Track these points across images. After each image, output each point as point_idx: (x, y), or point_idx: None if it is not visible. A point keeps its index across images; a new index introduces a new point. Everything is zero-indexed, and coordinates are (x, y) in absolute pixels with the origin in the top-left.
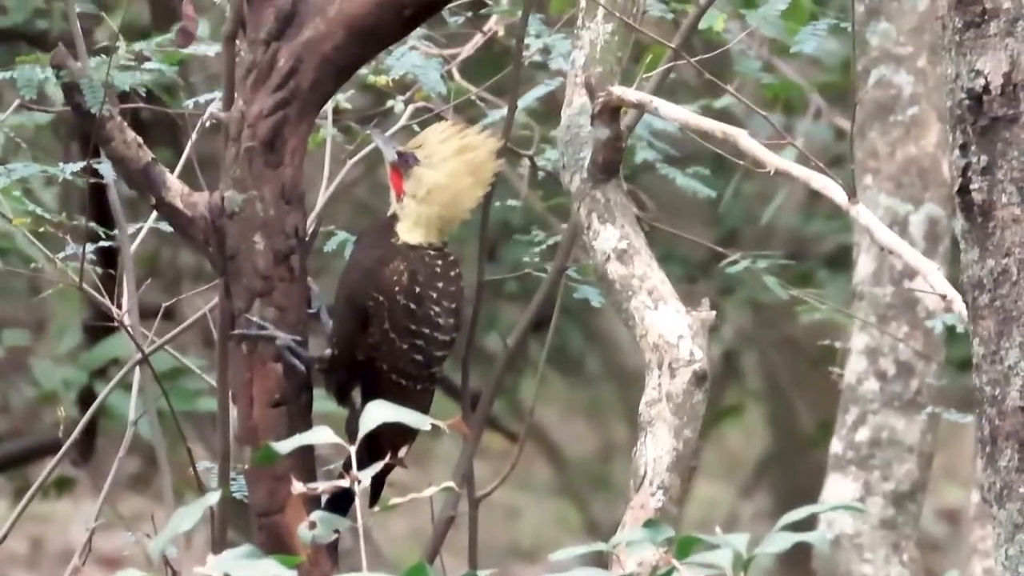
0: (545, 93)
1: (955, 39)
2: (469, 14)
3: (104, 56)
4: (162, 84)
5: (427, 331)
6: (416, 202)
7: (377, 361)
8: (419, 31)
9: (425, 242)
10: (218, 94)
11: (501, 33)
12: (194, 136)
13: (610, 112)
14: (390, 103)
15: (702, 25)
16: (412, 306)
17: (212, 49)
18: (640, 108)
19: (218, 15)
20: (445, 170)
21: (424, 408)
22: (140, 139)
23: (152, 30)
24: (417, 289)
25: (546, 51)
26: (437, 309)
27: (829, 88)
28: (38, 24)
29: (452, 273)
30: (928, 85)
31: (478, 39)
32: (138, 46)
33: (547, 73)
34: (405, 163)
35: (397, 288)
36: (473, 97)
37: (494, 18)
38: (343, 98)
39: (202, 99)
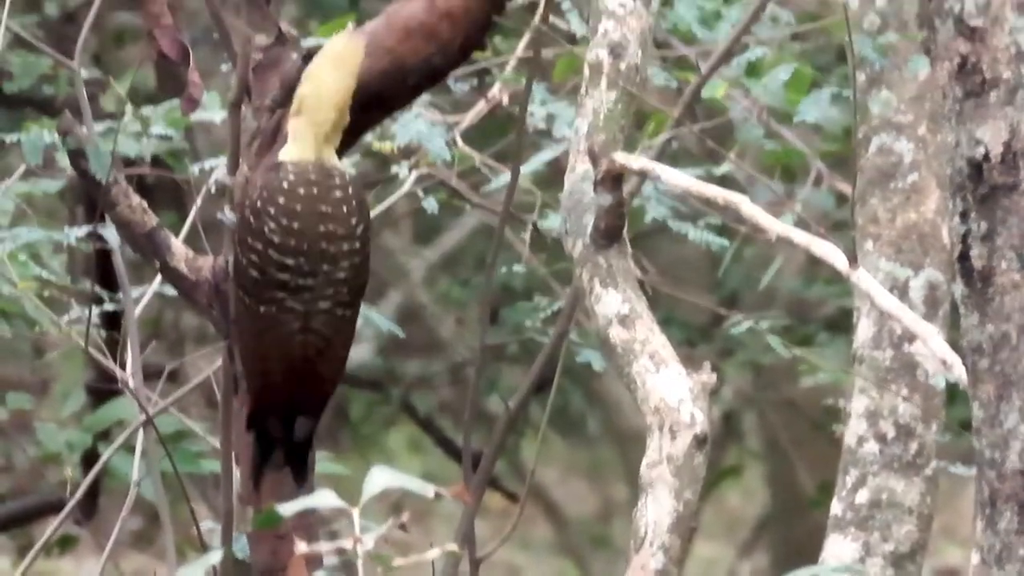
0: (549, 159)
1: (955, 108)
2: (474, 82)
3: (110, 122)
4: (168, 150)
5: (260, 247)
6: (293, 119)
7: (233, 277)
8: (424, 98)
9: (298, 158)
10: (223, 160)
11: (505, 101)
12: (199, 201)
13: (613, 179)
14: (395, 169)
15: (704, 93)
16: (251, 219)
17: (217, 116)
18: (643, 175)
19: (224, 82)
20: (311, 77)
21: (275, 333)
22: (145, 204)
23: (158, 96)
24: (258, 204)
25: (550, 119)
26: (272, 225)
27: (830, 155)
28: (44, 89)
29: (312, 192)
30: (928, 153)
31: (482, 106)
32: (144, 111)
33: (551, 140)
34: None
35: (247, 202)
36: (477, 164)
37: (498, 85)
38: (348, 164)
39: (207, 165)
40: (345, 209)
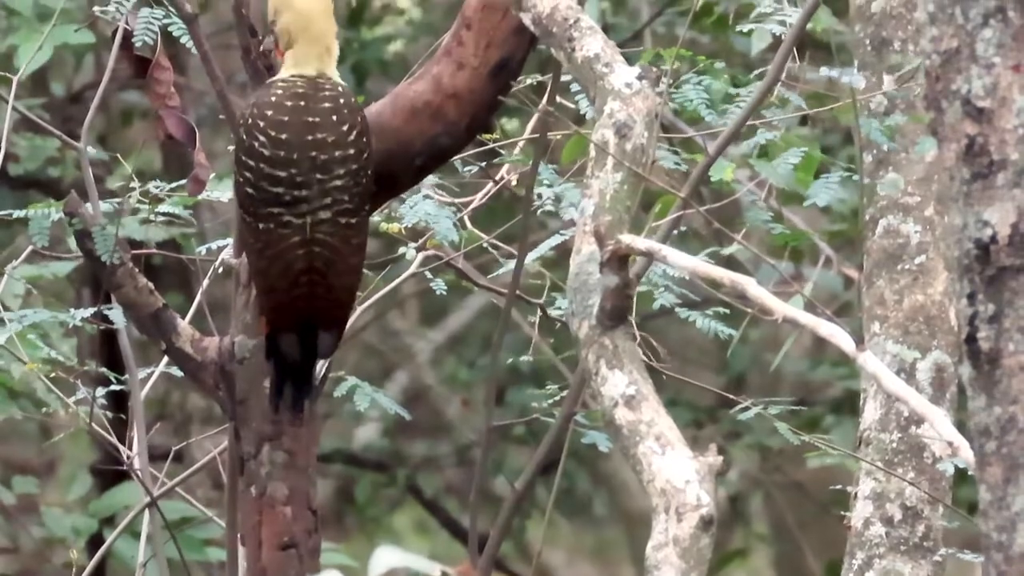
0: (556, 244)
1: (963, 189)
2: (482, 164)
3: (116, 203)
4: (177, 234)
5: (252, 162)
6: (283, 46)
7: (235, 198)
8: (431, 179)
9: (287, 74)
10: (230, 240)
11: (514, 183)
12: (205, 282)
13: (619, 260)
14: (402, 250)
15: (711, 175)
16: (243, 137)
17: (224, 196)
18: (649, 256)
19: (230, 162)
20: (284, 7)
21: (276, 249)
22: (151, 285)
23: (164, 177)
24: (249, 120)
25: (556, 200)
26: (262, 139)
27: (838, 236)
28: (50, 171)
29: (300, 104)
30: (936, 234)
31: (490, 188)
32: (150, 186)
33: (558, 220)
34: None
35: (240, 121)
36: (485, 245)
37: (506, 167)
38: None
39: (213, 245)
40: (335, 117)
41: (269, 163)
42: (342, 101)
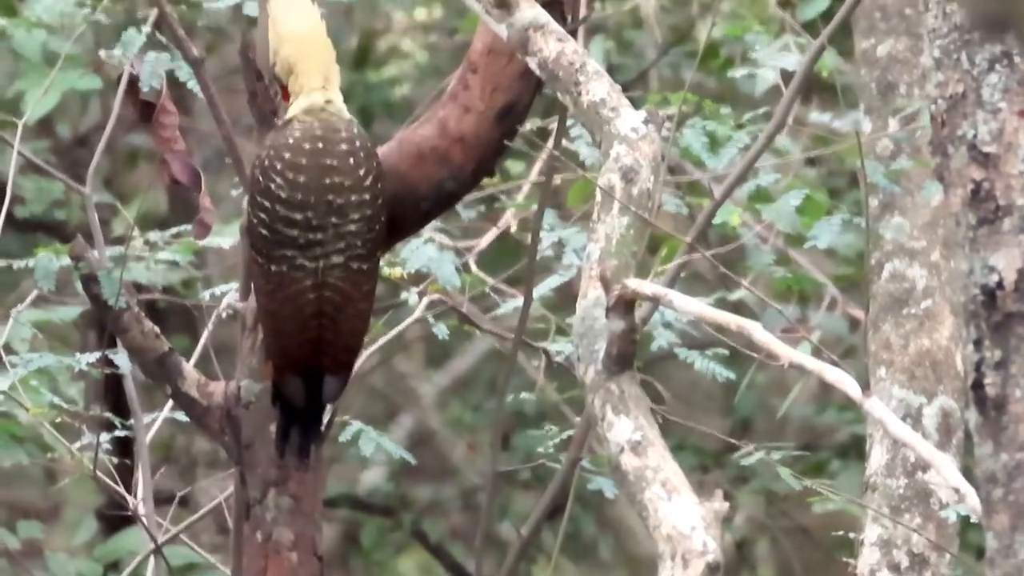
0: (560, 284)
1: (969, 235)
2: (482, 208)
3: (122, 247)
4: (181, 279)
5: (267, 204)
6: (291, 81)
7: (247, 237)
8: (434, 223)
9: (298, 110)
10: (235, 285)
11: (513, 228)
12: (210, 326)
13: (625, 304)
14: (404, 295)
15: (717, 219)
16: (259, 178)
17: (228, 241)
18: (655, 301)
19: (235, 206)
20: (281, 38)
21: (287, 292)
22: (157, 329)
23: (170, 220)
24: (266, 161)
25: (560, 245)
26: (279, 181)
27: (844, 280)
28: (56, 214)
29: (317, 146)
30: (942, 279)
31: (493, 233)
32: (154, 236)
33: (562, 266)
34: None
35: (256, 162)
36: (487, 289)
37: (510, 211)
38: None
39: (219, 290)
40: (352, 161)
41: (285, 205)
42: (358, 144)
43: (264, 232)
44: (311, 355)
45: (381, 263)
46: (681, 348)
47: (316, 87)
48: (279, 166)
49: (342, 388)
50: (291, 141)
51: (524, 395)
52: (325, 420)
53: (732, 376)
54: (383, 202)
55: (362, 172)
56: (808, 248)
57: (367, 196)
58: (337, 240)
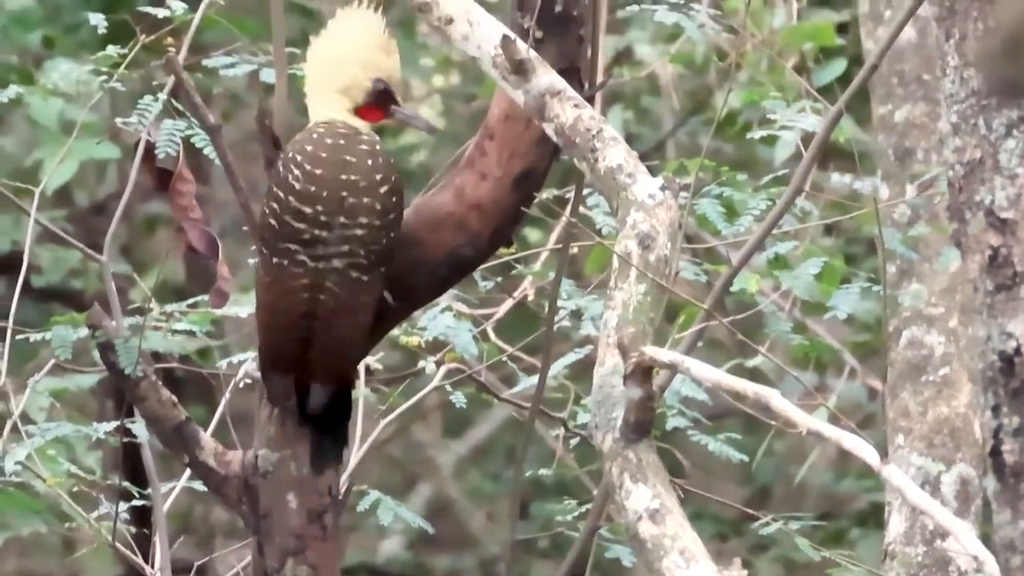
0: (575, 360)
1: (986, 301)
2: (499, 279)
3: (139, 316)
4: (197, 348)
5: (281, 194)
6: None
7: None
8: (452, 291)
9: (328, 118)
10: (252, 354)
11: (531, 297)
12: (228, 395)
13: (642, 372)
14: (421, 363)
15: (735, 286)
16: (279, 170)
17: (246, 310)
18: (672, 368)
19: (252, 274)
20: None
21: (282, 286)
22: (174, 398)
23: (187, 289)
24: (288, 154)
25: (576, 314)
26: (296, 172)
27: (862, 347)
28: (73, 283)
29: (339, 142)
30: (959, 346)
31: (510, 303)
32: (171, 307)
33: (579, 329)
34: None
35: (281, 155)
36: (504, 358)
37: (528, 279)
38: (375, 359)
39: (236, 359)
40: (370, 163)
41: (298, 196)
42: (379, 150)
43: (272, 223)
44: (299, 356)
45: (398, 331)
46: (694, 429)
47: (337, 107)
48: (299, 158)
49: (332, 402)
50: (314, 136)
51: (545, 471)
52: (342, 489)
53: (745, 458)
54: (396, 219)
55: (379, 177)
56: (826, 312)
57: (378, 205)
58: (341, 243)
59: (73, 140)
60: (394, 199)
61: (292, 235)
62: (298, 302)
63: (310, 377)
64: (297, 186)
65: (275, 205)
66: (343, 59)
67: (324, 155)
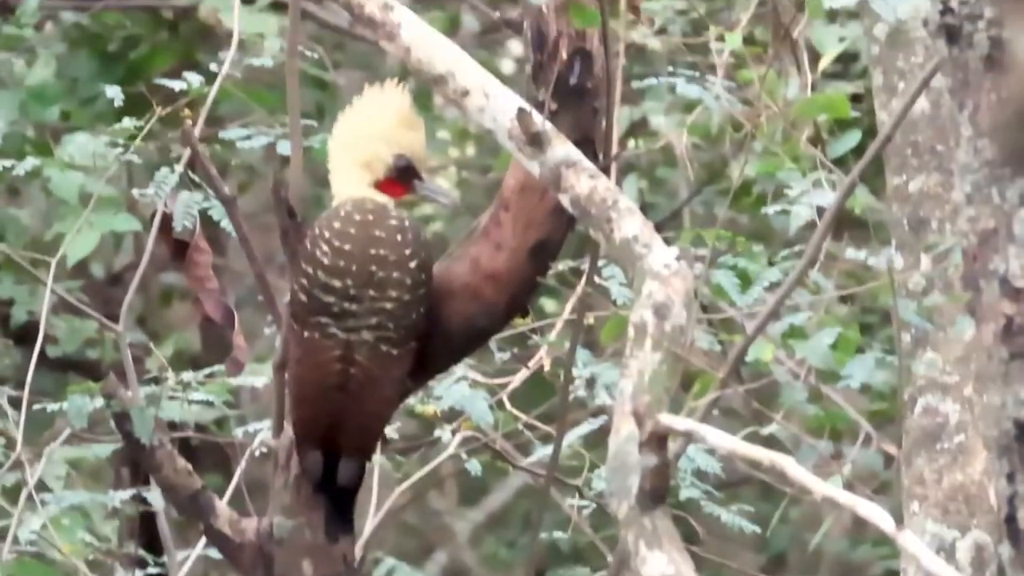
0: (591, 430)
1: (1001, 369)
2: (515, 350)
3: (155, 385)
4: (214, 419)
5: (310, 269)
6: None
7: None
8: (468, 361)
9: (356, 194)
10: (267, 423)
11: (548, 368)
12: (243, 464)
13: (658, 440)
14: (437, 432)
15: (750, 355)
16: (308, 246)
17: (261, 380)
18: (688, 436)
19: (268, 344)
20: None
21: (314, 359)
22: (190, 466)
23: (203, 358)
24: (316, 231)
25: (590, 383)
26: (325, 248)
27: (878, 415)
28: (89, 353)
29: (368, 218)
30: (975, 414)
31: (525, 372)
32: (187, 376)
33: (596, 398)
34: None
35: (309, 231)
36: (520, 426)
37: (544, 349)
38: (390, 429)
39: (252, 428)
40: (399, 237)
41: (326, 271)
42: (409, 225)
43: (303, 298)
44: (329, 429)
45: (413, 400)
46: (708, 500)
47: (358, 184)
48: (327, 234)
49: (359, 473)
50: (343, 213)
51: (557, 534)
52: (358, 557)
53: (758, 529)
54: (426, 293)
55: (408, 252)
56: (841, 380)
57: (408, 279)
58: (370, 315)
59: (92, 213)
60: (423, 275)
61: (322, 309)
62: (329, 374)
63: (340, 450)
64: (326, 261)
65: (304, 281)
66: (365, 134)
67: (352, 231)
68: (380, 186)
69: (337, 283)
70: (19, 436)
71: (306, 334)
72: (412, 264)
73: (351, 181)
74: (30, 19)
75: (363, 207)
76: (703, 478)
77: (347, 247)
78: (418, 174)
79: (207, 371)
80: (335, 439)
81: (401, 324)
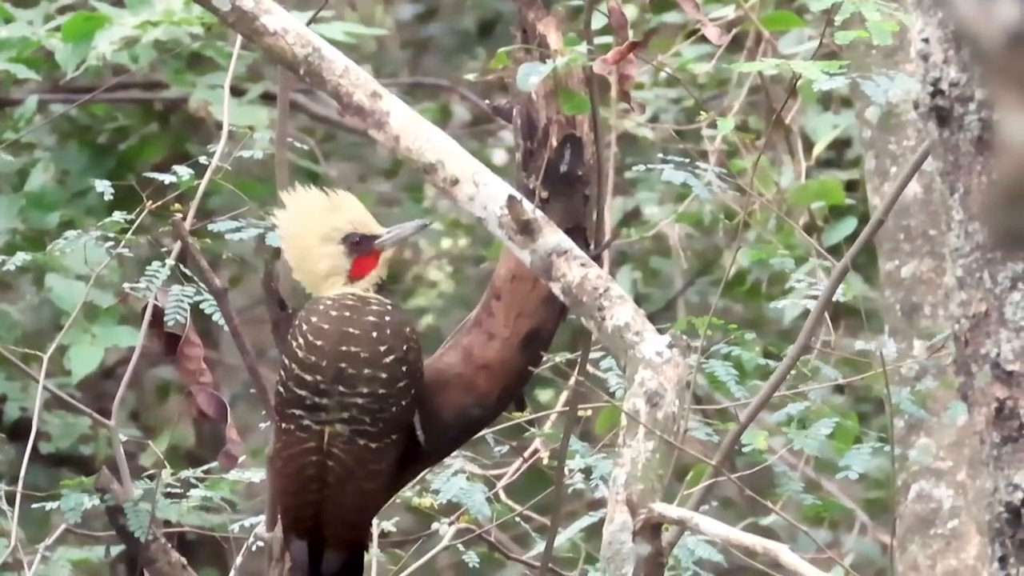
0: (587, 526)
1: (993, 453)
2: (513, 444)
3: (148, 480)
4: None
5: (287, 363)
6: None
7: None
8: (464, 452)
9: (342, 292)
10: (263, 516)
11: (546, 460)
12: (239, 559)
13: (651, 529)
14: (435, 525)
15: (745, 445)
16: (290, 342)
17: (258, 474)
18: (681, 525)
19: (262, 438)
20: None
21: (292, 450)
22: (184, 560)
23: (197, 453)
24: (297, 322)
25: (586, 474)
26: (300, 342)
27: (874, 503)
28: (82, 449)
29: (344, 314)
30: (968, 498)
31: (520, 464)
32: (185, 474)
33: (594, 489)
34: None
35: (293, 323)
36: (516, 517)
37: (537, 440)
38: (389, 522)
39: (247, 522)
40: (375, 334)
41: (300, 365)
42: (388, 320)
43: (281, 389)
44: (311, 519)
45: (410, 493)
46: None
47: (330, 286)
48: (304, 327)
49: (344, 565)
50: (321, 307)
51: None
52: None
53: None
54: (407, 386)
55: (382, 348)
56: (837, 469)
57: (383, 375)
58: (341, 409)
59: (95, 325)
60: (404, 368)
61: (297, 402)
62: (307, 465)
63: (323, 542)
64: (300, 354)
65: (283, 373)
66: (306, 246)
67: (326, 327)
68: (352, 274)
69: (308, 377)
70: (13, 533)
71: (284, 425)
72: (387, 360)
73: (326, 287)
74: (29, 119)
75: (342, 303)
76: (702, 567)
77: (319, 343)
78: (372, 235)
79: (204, 468)
80: (318, 530)
81: (379, 418)
